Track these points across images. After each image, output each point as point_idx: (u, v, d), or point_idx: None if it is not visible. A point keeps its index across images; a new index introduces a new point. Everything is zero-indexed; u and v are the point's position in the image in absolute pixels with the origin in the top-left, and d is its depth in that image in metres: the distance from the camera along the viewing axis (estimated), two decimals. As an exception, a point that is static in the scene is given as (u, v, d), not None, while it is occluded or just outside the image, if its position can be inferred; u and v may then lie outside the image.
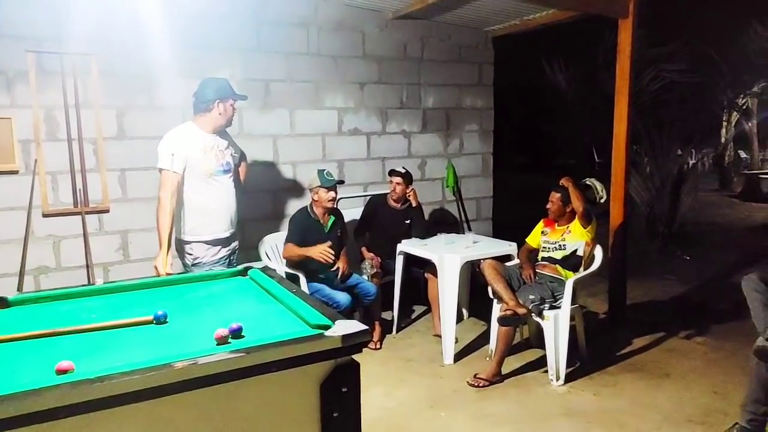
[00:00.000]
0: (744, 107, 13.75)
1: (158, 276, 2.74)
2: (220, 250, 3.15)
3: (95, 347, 1.65)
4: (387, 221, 4.40)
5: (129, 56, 3.89)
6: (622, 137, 4.31)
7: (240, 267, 2.56)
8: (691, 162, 8.37)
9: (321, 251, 3.70)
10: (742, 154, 15.90)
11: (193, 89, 3.10)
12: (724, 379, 3.36)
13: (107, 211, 3.93)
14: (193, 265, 3.09)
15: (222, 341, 1.62)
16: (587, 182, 3.84)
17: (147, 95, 4.01)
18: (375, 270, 4.16)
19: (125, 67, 3.91)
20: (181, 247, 3.12)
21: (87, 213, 3.78)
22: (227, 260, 3.19)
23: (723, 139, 13.55)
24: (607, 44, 4.23)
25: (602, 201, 3.86)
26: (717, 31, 6.25)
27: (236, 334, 1.66)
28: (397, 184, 4.33)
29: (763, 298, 2.66)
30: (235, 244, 3.29)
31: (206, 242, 3.10)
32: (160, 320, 1.84)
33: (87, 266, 3.72)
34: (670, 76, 6.09)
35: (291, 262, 3.92)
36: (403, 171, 4.36)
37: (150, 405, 1.36)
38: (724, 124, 13.14)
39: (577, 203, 3.60)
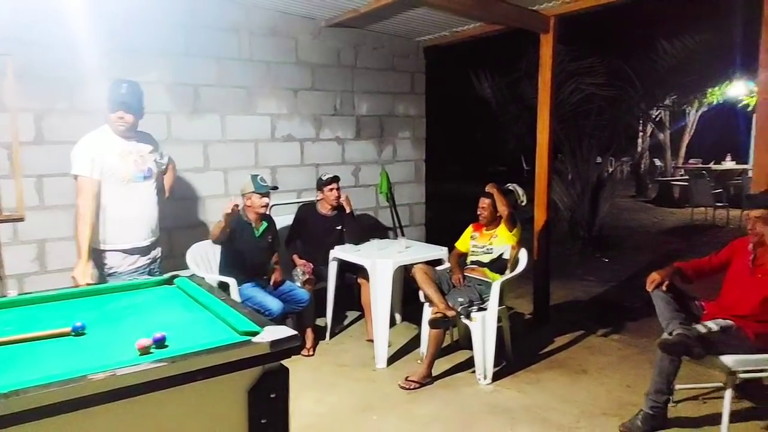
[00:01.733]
0: (657, 119, 14.74)
1: (77, 287, 2.63)
2: (138, 259, 3.06)
3: (9, 361, 1.57)
4: (318, 228, 4.41)
5: (50, 57, 3.72)
6: (544, 146, 4.54)
7: (165, 276, 2.51)
8: (610, 170, 8.88)
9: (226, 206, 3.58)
10: (657, 163, 17.02)
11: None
12: (636, 373, 3.60)
13: (22, 219, 3.71)
14: (108, 275, 2.98)
15: (144, 351, 1.59)
16: (509, 187, 4.01)
17: (69, 98, 3.83)
18: (307, 276, 4.16)
19: (46, 68, 3.72)
20: (97, 255, 2.99)
21: (0, 222, 3.56)
22: (147, 270, 3.10)
23: (639, 149, 14.46)
24: (530, 57, 4.47)
25: (523, 204, 4.04)
26: (630, 48, 6.72)
27: (160, 343, 1.63)
28: (335, 189, 4.36)
29: (666, 296, 2.89)
30: (155, 253, 3.19)
31: (123, 251, 3.01)
32: (78, 331, 1.78)
33: (-1, 278, 3.50)
34: (588, 89, 6.46)
35: (223, 269, 3.87)
36: (332, 176, 4.41)
37: (67, 419, 1.31)
38: (640, 134, 14.04)
39: (502, 207, 3.76)
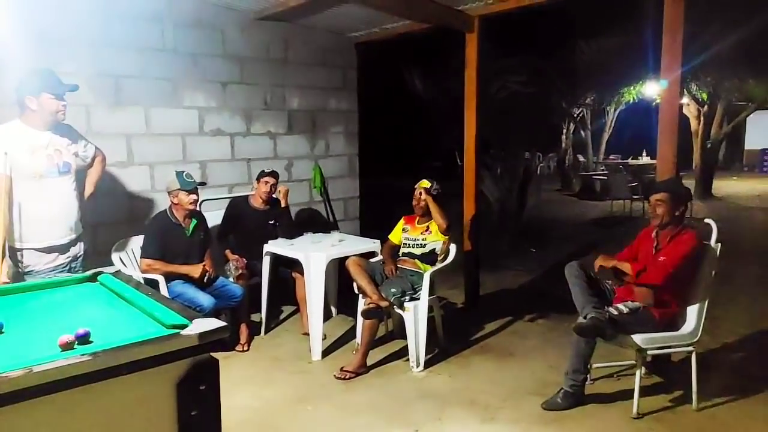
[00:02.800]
0: (579, 117, 15.52)
1: (-8, 286, 2.50)
2: (57, 257, 2.94)
3: None
4: (251, 223, 4.37)
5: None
6: (471, 141, 4.71)
7: (88, 273, 2.43)
8: (539, 165, 9.26)
9: (196, 269, 3.72)
10: (580, 158, 17.93)
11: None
12: (558, 354, 3.81)
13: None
14: (25, 273, 2.86)
15: (67, 347, 1.55)
16: (432, 183, 4.01)
17: (-25, 89, 3.59)
18: (240, 271, 4.12)
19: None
20: (12, 254, 2.85)
21: None
22: (67, 268, 2.98)
23: (563, 145, 15.18)
24: (458, 55, 4.64)
25: (437, 193, 4.09)
26: (551, 48, 7.06)
27: (83, 339, 1.60)
28: (270, 183, 4.33)
29: (581, 282, 3.09)
30: (76, 250, 3.08)
31: (39, 249, 2.88)
32: (-7, 331, 1.71)
33: None
34: (514, 87, 6.73)
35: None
36: (272, 170, 4.40)
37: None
38: (564, 131, 14.74)
39: (440, 221, 3.84)
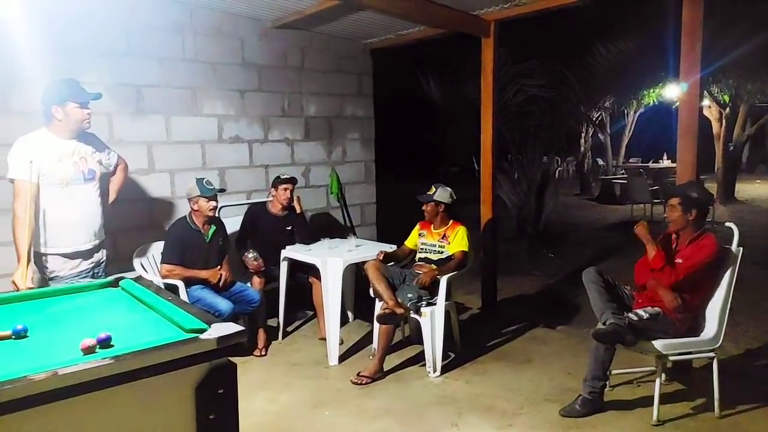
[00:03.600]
0: (598, 120, 15.37)
1: (17, 291, 2.56)
2: (80, 263, 3.00)
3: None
4: (269, 229, 4.41)
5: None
6: (488, 146, 4.70)
7: (110, 278, 2.48)
8: (557, 168, 9.19)
9: (214, 274, 3.78)
10: (600, 162, 17.74)
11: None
12: (577, 361, 3.77)
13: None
14: (50, 279, 2.93)
15: (89, 351, 1.59)
16: (435, 197, 3.98)
17: (2, 99, 3.70)
18: (260, 259, 4.15)
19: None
20: (38, 259, 2.93)
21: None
22: (90, 273, 3.04)
23: (582, 149, 15.03)
24: (474, 59, 4.63)
25: (454, 198, 4.04)
26: (568, 52, 7.03)
27: (104, 343, 1.63)
28: (289, 189, 4.37)
29: (599, 288, 3.07)
30: (99, 256, 3.14)
31: (63, 255, 2.95)
32: (19, 334, 1.75)
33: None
34: (531, 91, 6.70)
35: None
36: (290, 176, 4.43)
37: (10, 420, 1.30)
38: (583, 135, 14.60)
39: (452, 271, 3.81)
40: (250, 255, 4.17)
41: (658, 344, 2.90)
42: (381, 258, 3.87)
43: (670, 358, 3.03)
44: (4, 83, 3.69)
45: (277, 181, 4.42)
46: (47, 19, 3.76)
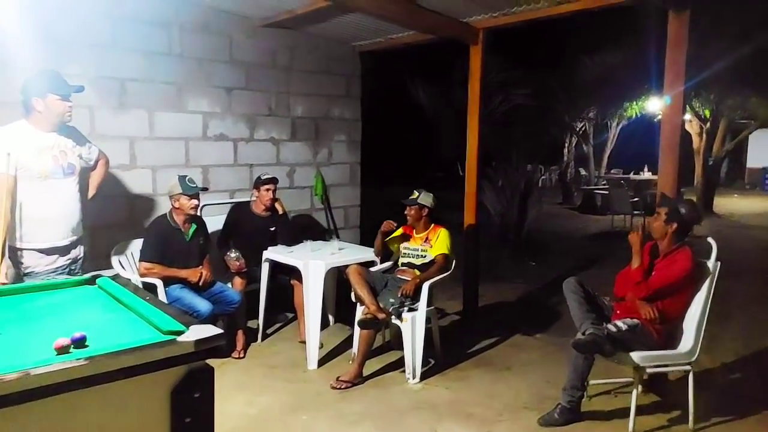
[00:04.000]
0: (582, 131, 15.57)
1: (-10, 286, 2.50)
2: (57, 259, 2.94)
3: None
4: (252, 229, 4.37)
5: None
6: (473, 152, 4.71)
7: (87, 276, 2.43)
8: (540, 177, 9.29)
9: (194, 273, 3.74)
10: (582, 172, 17.96)
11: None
12: (556, 369, 3.79)
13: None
14: (24, 275, 2.86)
15: (63, 351, 1.54)
16: (419, 201, 3.98)
17: (-20, 88, 3.61)
18: (242, 259, 4.11)
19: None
20: (13, 254, 2.85)
21: None
22: (67, 270, 2.98)
23: (566, 158, 15.21)
24: (461, 66, 4.66)
25: (435, 203, 4.05)
26: (554, 62, 7.11)
27: (79, 343, 1.59)
28: (271, 190, 4.33)
29: (579, 298, 3.09)
30: (76, 252, 3.07)
31: (39, 250, 2.88)
32: (-10, 332, 1.70)
33: None
34: (517, 99, 6.76)
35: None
36: (272, 177, 4.39)
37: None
38: (566, 144, 14.78)
39: (435, 276, 3.81)
40: (233, 255, 4.13)
41: (636, 356, 2.92)
42: (390, 227, 3.95)
43: (647, 370, 3.06)
44: (-17, 73, 3.60)
45: (259, 182, 4.38)
46: (33, 6, 3.68)
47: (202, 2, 4.49)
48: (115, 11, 4.13)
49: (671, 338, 3.10)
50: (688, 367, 3.06)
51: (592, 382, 3.28)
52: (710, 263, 3.13)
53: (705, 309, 3.08)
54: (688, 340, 3.07)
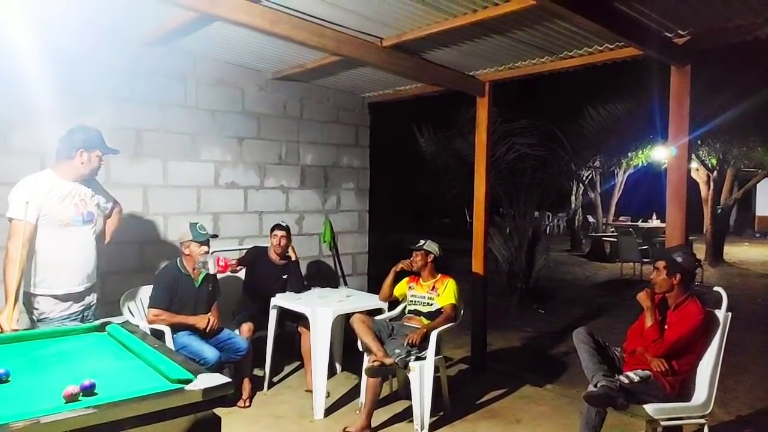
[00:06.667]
0: (588, 179, 15.65)
1: (2, 332, 2.52)
2: (71, 305, 2.96)
3: None
4: (265, 274, 4.39)
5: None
6: (481, 201, 4.76)
7: (97, 323, 2.45)
8: (548, 224, 9.28)
9: (201, 320, 3.76)
10: (590, 219, 17.93)
11: (57, 135, 2.98)
12: (567, 422, 3.71)
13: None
14: (39, 320, 2.87)
15: (72, 399, 1.56)
16: (425, 247, 4.01)
17: (2, 138, 3.74)
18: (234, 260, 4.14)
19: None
20: (27, 300, 2.89)
21: None
22: (80, 316, 3.00)
23: (573, 205, 15.22)
24: (464, 116, 4.79)
25: (441, 253, 4.07)
26: (559, 112, 7.25)
27: (88, 391, 1.61)
28: (283, 237, 4.38)
29: (590, 349, 3.05)
30: (90, 299, 3.10)
31: (55, 297, 2.91)
32: (0, 379, 1.72)
33: None
34: (522, 149, 6.86)
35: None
36: (285, 225, 4.45)
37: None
38: (573, 192, 14.82)
39: (442, 325, 3.80)
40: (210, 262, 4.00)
41: (650, 408, 2.86)
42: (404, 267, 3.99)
43: (662, 423, 2.98)
44: (7, 122, 3.73)
45: (272, 228, 4.44)
46: (54, 59, 3.84)
47: (218, 57, 4.67)
48: (135, 66, 4.30)
49: (683, 390, 3.04)
50: (702, 420, 2.98)
51: (604, 435, 3.19)
52: (721, 314, 3.10)
53: (717, 361, 3.03)
54: (701, 393, 3.00)
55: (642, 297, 3.16)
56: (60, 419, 1.38)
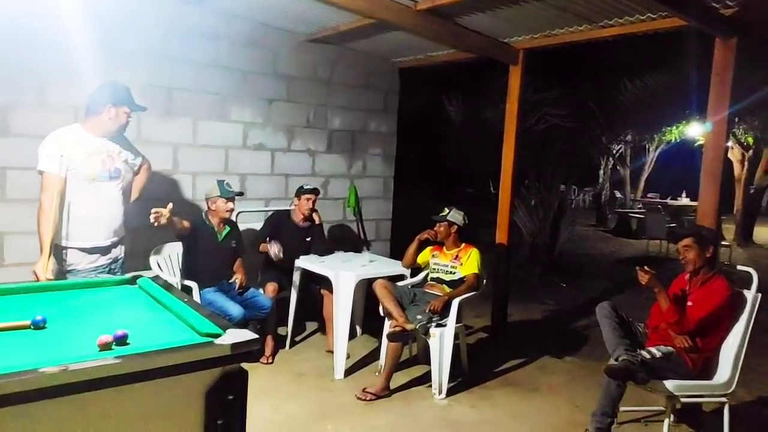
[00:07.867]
0: (619, 153, 15.31)
1: (38, 281, 2.61)
2: (98, 258, 3.04)
3: (-37, 351, 1.57)
4: (289, 237, 4.44)
5: (19, 49, 3.68)
6: (508, 172, 4.70)
7: (127, 275, 2.51)
8: (574, 198, 9.16)
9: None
10: (618, 194, 17.63)
11: (89, 91, 3.01)
12: (585, 393, 3.73)
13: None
14: (67, 272, 2.96)
15: (105, 348, 1.60)
16: (449, 218, 3.99)
17: (38, 92, 3.80)
18: (281, 253, 4.21)
19: (14, 60, 3.69)
20: (57, 251, 2.97)
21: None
22: (107, 269, 3.08)
23: (601, 180, 14.96)
24: (496, 85, 4.69)
25: (467, 221, 4.07)
26: (593, 83, 7.05)
27: (121, 341, 1.65)
28: (311, 200, 4.41)
29: (612, 323, 3.03)
30: (117, 252, 3.18)
31: (82, 249, 2.99)
32: (38, 325, 1.78)
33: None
34: (553, 120, 6.71)
35: (185, 272, 3.89)
36: (316, 188, 4.48)
37: (19, 411, 1.31)
38: (602, 166, 14.54)
39: (464, 294, 3.81)
40: (276, 246, 4.20)
41: (670, 384, 2.85)
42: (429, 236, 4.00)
43: (681, 399, 2.97)
44: (41, 78, 3.78)
45: (301, 191, 4.46)
46: (95, 19, 3.85)
47: (253, 17, 4.63)
48: (170, 25, 4.30)
49: (706, 368, 3.02)
50: (723, 399, 2.97)
51: (622, 408, 3.20)
52: (750, 294, 3.05)
53: (744, 340, 2.99)
54: (725, 371, 2.98)
55: (645, 280, 3.00)
56: (89, 366, 1.41)
